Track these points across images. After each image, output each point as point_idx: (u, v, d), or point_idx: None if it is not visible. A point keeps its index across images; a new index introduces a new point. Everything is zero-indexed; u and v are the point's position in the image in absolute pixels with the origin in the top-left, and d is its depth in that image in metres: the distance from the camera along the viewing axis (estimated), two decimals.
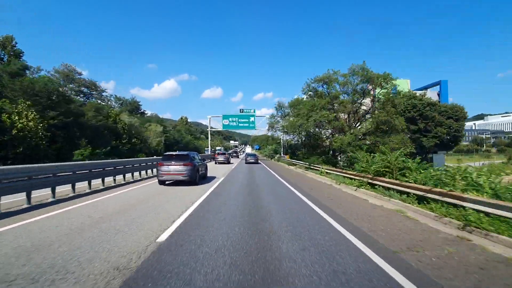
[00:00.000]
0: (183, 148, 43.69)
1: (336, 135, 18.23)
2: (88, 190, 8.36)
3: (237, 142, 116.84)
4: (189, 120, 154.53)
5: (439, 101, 35.74)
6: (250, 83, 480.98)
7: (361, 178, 9.20)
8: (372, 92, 18.22)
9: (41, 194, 7.15)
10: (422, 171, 7.64)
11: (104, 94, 39.72)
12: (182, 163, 10.07)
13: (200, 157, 12.53)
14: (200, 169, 11.26)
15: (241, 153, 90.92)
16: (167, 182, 10.20)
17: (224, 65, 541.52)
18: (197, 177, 10.55)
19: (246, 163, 27.78)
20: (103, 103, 36.78)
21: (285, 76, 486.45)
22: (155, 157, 20.24)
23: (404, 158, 8.83)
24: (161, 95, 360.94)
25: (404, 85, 35.14)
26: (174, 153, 11.29)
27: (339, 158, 20.92)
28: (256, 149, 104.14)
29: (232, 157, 38.28)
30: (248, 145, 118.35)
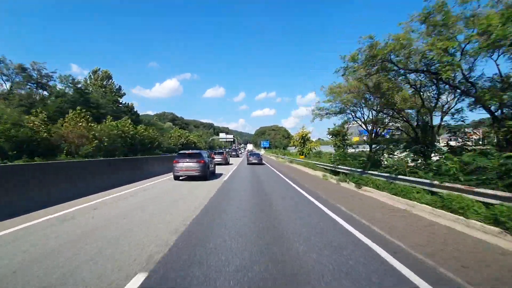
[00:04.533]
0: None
1: None
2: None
3: (231, 137, 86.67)
4: (189, 118, 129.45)
5: None
6: (252, 83, 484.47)
7: None
8: None
9: None
10: None
11: None
12: (195, 160, 12.75)
13: (208, 154, 15.91)
14: (210, 166, 14.32)
15: (241, 150, 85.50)
16: (181, 178, 13.20)
17: (227, 64, 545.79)
18: (208, 173, 13.40)
19: (248, 163, 28.07)
20: None
21: (287, 76, 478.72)
22: None
23: None
24: (163, 94, 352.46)
25: None
26: (188, 151, 14.02)
27: None
28: (265, 147, 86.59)
29: (231, 157, 40.27)
30: (249, 143, 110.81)
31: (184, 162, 12.59)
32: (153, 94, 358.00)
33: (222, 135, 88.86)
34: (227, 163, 27.23)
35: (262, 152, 74.16)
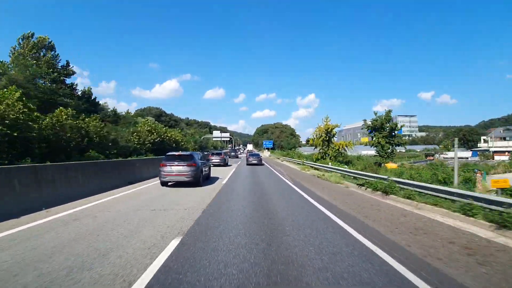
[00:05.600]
0: None
1: None
2: None
3: (227, 135, 73.69)
4: (190, 118, 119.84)
5: None
6: (252, 84, 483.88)
7: None
8: None
9: None
10: None
11: None
12: (185, 164, 11.43)
13: (202, 156, 14.93)
14: (203, 169, 13.00)
15: (241, 151, 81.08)
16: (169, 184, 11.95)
17: (227, 66, 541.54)
18: (201, 178, 12.09)
19: (247, 164, 27.51)
20: None
21: (287, 77, 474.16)
22: None
23: None
24: (163, 95, 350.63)
25: None
26: (177, 153, 12.84)
27: None
28: (268, 148, 74.91)
29: (230, 158, 38.41)
30: (249, 144, 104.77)
31: (172, 165, 11.35)
32: (153, 95, 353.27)
33: (216, 133, 74.10)
34: (225, 165, 25.90)
35: (267, 154, 60.52)
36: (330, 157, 31.16)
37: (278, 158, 46.03)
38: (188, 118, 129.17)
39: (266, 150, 72.98)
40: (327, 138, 31.50)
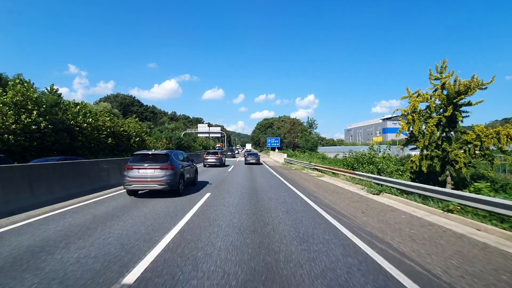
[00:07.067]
0: None
1: None
2: None
3: (217, 130, 55.23)
4: (186, 115, 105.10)
5: None
6: (252, 85, 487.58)
7: None
8: None
9: None
10: None
11: None
12: (158, 166, 8.75)
13: (185, 156, 11.48)
14: (186, 174, 10.24)
15: (238, 151, 72.46)
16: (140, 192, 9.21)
17: (226, 66, 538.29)
18: (181, 185, 9.37)
19: (246, 163, 27.51)
20: None
21: (286, 78, 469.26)
22: None
23: None
24: (161, 95, 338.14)
25: None
26: (149, 152, 9.52)
27: None
28: (273, 147, 56.80)
29: (226, 157, 36.32)
30: (247, 144, 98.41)
31: (141, 168, 8.52)
32: (152, 95, 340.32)
33: (203, 127, 55.15)
34: (222, 165, 24.64)
35: (280, 158, 37.05)
36: (460, 167, 12.69)
37: (321, 173, 17.62)
38: (175, 112, 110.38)
39: (274, 150, 51.59)
40: (448, 119, 12.35)
